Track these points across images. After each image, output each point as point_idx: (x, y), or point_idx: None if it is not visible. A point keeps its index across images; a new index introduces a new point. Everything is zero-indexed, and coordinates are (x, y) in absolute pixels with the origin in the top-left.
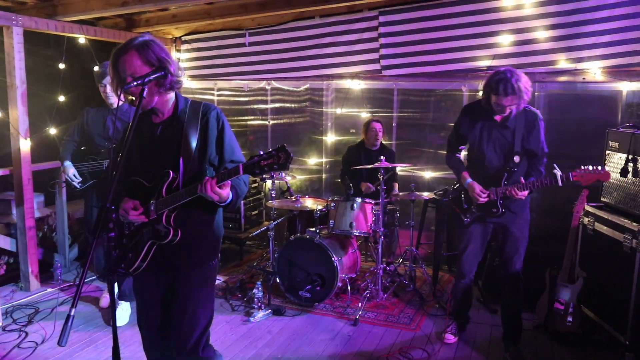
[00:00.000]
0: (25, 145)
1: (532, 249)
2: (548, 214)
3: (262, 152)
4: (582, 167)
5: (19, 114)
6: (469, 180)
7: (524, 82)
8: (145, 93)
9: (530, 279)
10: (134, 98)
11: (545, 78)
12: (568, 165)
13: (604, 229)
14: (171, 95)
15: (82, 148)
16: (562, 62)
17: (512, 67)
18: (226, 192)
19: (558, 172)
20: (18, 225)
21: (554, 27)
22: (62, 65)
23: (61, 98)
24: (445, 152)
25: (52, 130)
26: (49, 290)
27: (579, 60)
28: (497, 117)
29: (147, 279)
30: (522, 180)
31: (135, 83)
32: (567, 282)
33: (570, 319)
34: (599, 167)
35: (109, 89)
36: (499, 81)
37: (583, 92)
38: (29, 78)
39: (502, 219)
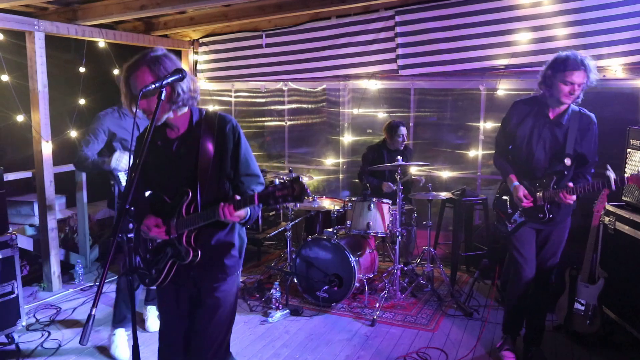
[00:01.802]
0: (47, 148)
1: None
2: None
3: (277, 182)
4: (638, 171)
5: (40, 118)
6: (515, 183)
7: (590, 60)
8: (146, 104)
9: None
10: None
11: None
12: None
13: (625, 228)
14: (185, 110)
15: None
16: None
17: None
18: (244, 212)
19: (612, 175)
20: (40, 227)
21: (572, 24)
22: (82, 69)
23: (82, 101)
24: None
25: (73, 133)
26: (71, 290)
27: (599, 57)
28: (551, 114)
29: (172, 292)
30: (571, 184)
31: (153, 86)
32: (588, 282)
33: (590, 320)
34: None
35: None
36: (564, 58)
37: (603, 90)
38: (50, 82)
39: (547, 225)
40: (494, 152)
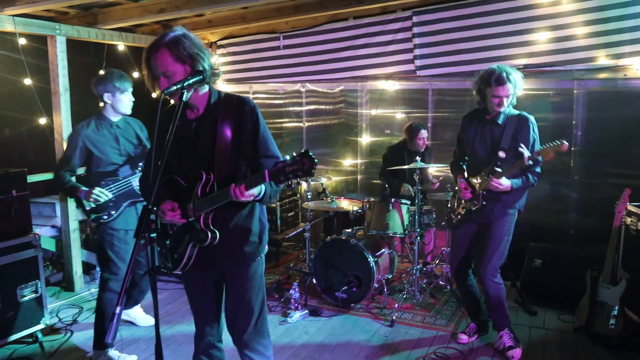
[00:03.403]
0: None
1: (572, 250)
2: (588, 214)
3: (287, 157)
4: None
5: (62, 120)
6: (462, 179)
7: (515, 73)
8: (167, 83)
9: (570, 280)
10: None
11: (585, 75)
12: (608, 164)
13: None
14: (205, 90)
15: (87, 173)
16: (602, 58)
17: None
18: (256, 190)
19: (525, 152)
20: (62, 228)
21: (593, 22)
22: (102, 72)
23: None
24: None
25: None
26: (92, 290)
27: (620, 56)
28: (488, 116)
29: (196, 276)
30: (498, 169)
31: (174, 87)
32: (609, 283)
33: (612, 321)
34: (558, 141)
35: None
36: (492, 73)
37: (624, 89)
38: (71, 85)
39: (485, 217)
40: None
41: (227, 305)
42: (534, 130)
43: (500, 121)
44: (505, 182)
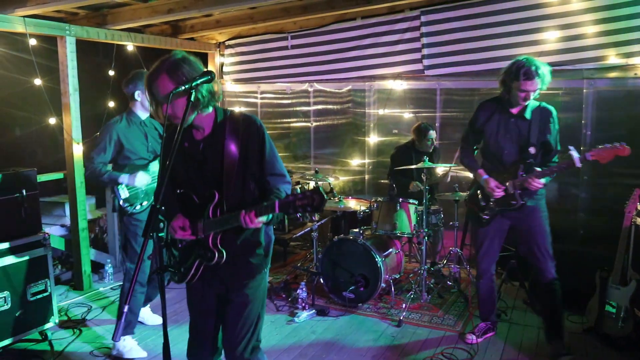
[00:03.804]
0: (78, 150)
1: (581, 250)
2: (598, 214)
3: (299, 193)
4: (599, 146)
5: (72, 120)
6: (485, 176)
7: (544, 67)
8: (171, 109)
9: (579, 280)
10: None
11: (594, 74)
12: (618, 164)
13: None
14: (209, 110)
15: (115, 166)
16: (612, 57)
17: (528, 56)
18: (266, 217)
19: (574, 154)
20: (71, 227)
21: (602, 21)
22: (111, 72)
23: (111, 104)
24: None
25: None
26: (101, 289)
27: (630, 55)
28: (514, 110)
29: (200, 290)
30: (538, 169)
31: (183, 88)
32: (619, 284)
33: (622, 322)
34: (617, 143)
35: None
36: (521, 67)
37: (634, 88)
38: (81, 85)
39: (521, 213)
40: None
41: (226, 318)
42: (557, 122)
43: (528, 115)
44: (543, 181)
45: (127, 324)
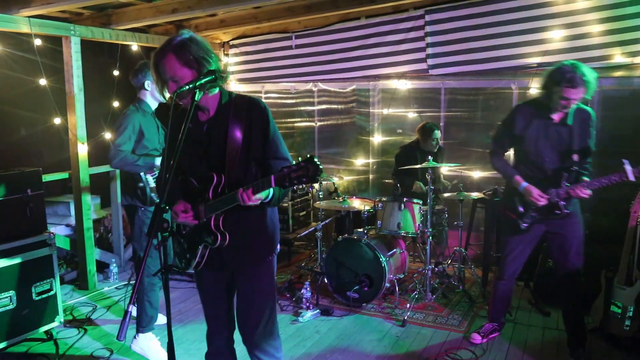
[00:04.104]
0: (82, 150)
1: (586, 250)
2: (603, 214)
3: (293, 164)
4: None
5: (77, 120)
6: (525, 184)
7: (590, 75)
8: (176, 88)
9: (585, 281)
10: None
11: (600, 74)
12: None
13: None
14: (215, 91)
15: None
16: (618, 56)
17: (575, 61)
18: (265, 194)
19: (629, 167)
20: (76, 227)
21: (607, 20)
22: (116, 72)
23: (116, 104)
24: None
25: (108, 135)
26: (106, 289)
27: (636, 54)
28: (555, 116)
29: (208, 276)
30: (587, 180)
31: (186, 87)
32: (625, 284)
33: (628, 322)
34: None
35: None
36: (566, 72)
37: None
38: (86, 85)
39: (559, 219)
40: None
41: (238, 304)
42: (594, 125)
43: (569, 121)
44: (589, 191)
45: (150, 319)
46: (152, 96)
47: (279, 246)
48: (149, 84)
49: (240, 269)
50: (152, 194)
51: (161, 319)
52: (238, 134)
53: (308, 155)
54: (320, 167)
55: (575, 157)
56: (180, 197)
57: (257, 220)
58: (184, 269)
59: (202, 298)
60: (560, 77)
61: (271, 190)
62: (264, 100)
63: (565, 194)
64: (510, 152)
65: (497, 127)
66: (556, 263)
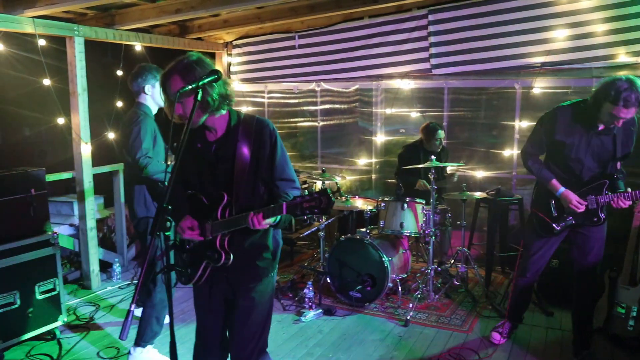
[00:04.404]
0: (86, 150)
1: None
2: (608, 214)
3: (307, 195)
4: None
5: (80, 120)
6: (562, 189)
7: None
8: (182, 109)
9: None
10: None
11: (604, 73)
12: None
13: None
14: (223, 112)
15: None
16: (622, 55)
17: (632, 76)
18: (273, 219)
19: None
20: (80, 227)
21: (611, 19)
22: (119, 72)
23: (119, 104)
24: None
25: (111, 135)
26: (109, 288)
27: (639, 54)
28: (600, 126)
29: (207, 292)
30: (629, 190)
31: (189, 87)
32: (629, 284)
33: (631, 322)
34: None
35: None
36: (622, 90)
37: None
38: (89, 85)
39: (591, 224)
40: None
41: (232, 322)
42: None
43: (614, 130)
44: (629, 202)
45: (154, 335)
46: (153, 100)
47: (277, 266)
48: (149, 88)
49: (241, 285)
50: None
51: (166, 319)
52: (246, 154)
53: (322, 188)
54: (333, 200)
55: (619, 166)
56: (188, 213)
57: (262, 238)
58: (184, 283)
59: (198, 313)
60: (615, 96)
61: (278, 215)
62: (267, 100)
63: (606, 202)
64: None
65: (534, 128)
66: (574, 261)
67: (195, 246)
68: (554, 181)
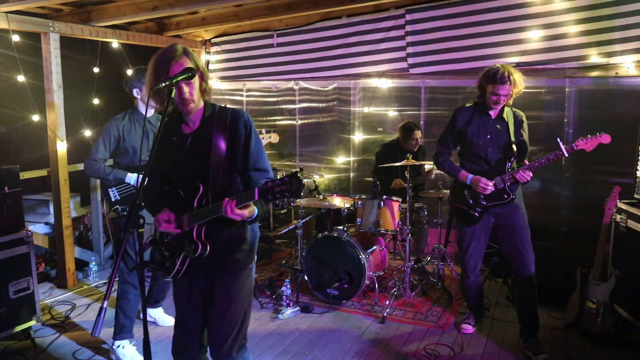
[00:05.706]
0: (62, 147)
1: (562, 247)
2: (578, 211)
3: (277, 179)
4: (584, 137)
5: (56, 117)
6: (471, 176)
7: (517, 74)
8: (188, 94)
9: (561, 277)
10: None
11: (576, 73)
12: (599, 162)
13: (637, 226)
14: (201, 105)
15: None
16: (594, 56)
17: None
18: (249, 210)
19: (562, 144)
20: (55, 225)
21: (584, 21)
22: (96, 69)
23: (96, 101)
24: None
25: (87, 133)
26: (85, 287)
27: (611, 54)
28: (492, 113)
29: (186, 285)
30: (527, 162)
31: (163, 84)
32: (599, 280)
33: (602, 318)
34: (599, 133)
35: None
36: (496, 71)
37: (615, 87)
38: (65, 82)
39: (505, 209)
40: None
41: (211, 315)
42: (527, 128)
43: (505, 117)
44: (531, 173)
45: (122, 328)
46: (143, 102)
47: (256, 257)
48: (137, 92)
49: (219, 278)
50: (116, 206)
51: (169, 321)
52: (222, 145)
53: (292, 171)
54: (303, 183)
55: (515, 147)
56: (166, 206)
57: (239, 229)
58: (163, 276)
59: (177, 306)
60: (493, 76)
61: (255, 210)
62: (245, 98)
63: (510, 178)
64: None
65: (442, 132)
66: (509, 256)
67: (173, 239)
68: (463, 172)
